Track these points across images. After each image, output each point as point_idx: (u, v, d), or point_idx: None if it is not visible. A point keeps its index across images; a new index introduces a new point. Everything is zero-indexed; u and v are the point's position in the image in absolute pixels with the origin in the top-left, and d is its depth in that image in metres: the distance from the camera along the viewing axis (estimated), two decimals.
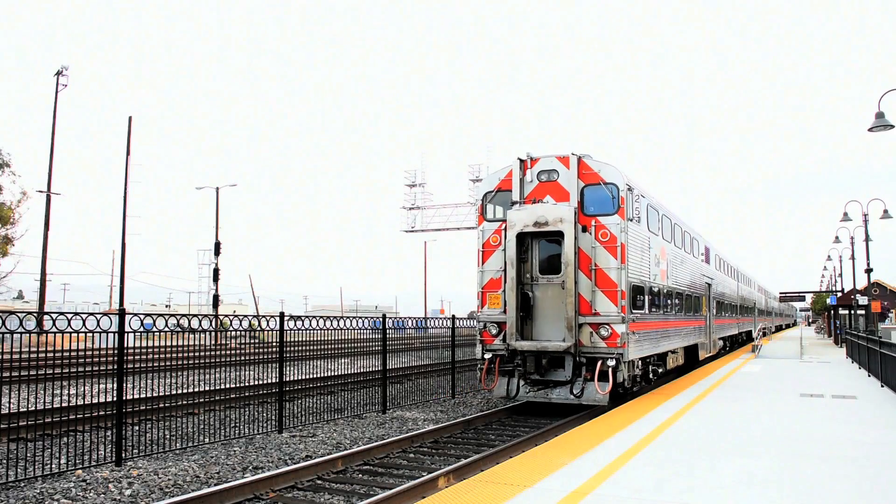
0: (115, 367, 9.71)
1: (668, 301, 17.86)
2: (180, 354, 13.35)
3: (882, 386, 16.11)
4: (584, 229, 13.84)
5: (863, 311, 34.62)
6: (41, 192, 36.04)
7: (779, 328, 74.37)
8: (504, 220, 14.42)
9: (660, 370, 17.03)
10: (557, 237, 13.82)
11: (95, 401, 13.59)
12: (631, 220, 14.05)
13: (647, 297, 15.37)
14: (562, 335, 13.65)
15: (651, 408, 12.31)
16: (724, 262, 30.66)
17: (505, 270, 14.21)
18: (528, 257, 14.29)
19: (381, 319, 15.56)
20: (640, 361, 14.89)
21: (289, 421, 12.90)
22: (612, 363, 13.26)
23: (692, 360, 21.93)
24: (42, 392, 16.02)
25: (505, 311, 14.15)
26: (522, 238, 14.08)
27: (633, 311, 14.14)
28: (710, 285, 24.67)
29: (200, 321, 10.94)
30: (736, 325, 33.95)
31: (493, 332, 14.44)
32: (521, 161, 14.60)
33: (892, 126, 17.62)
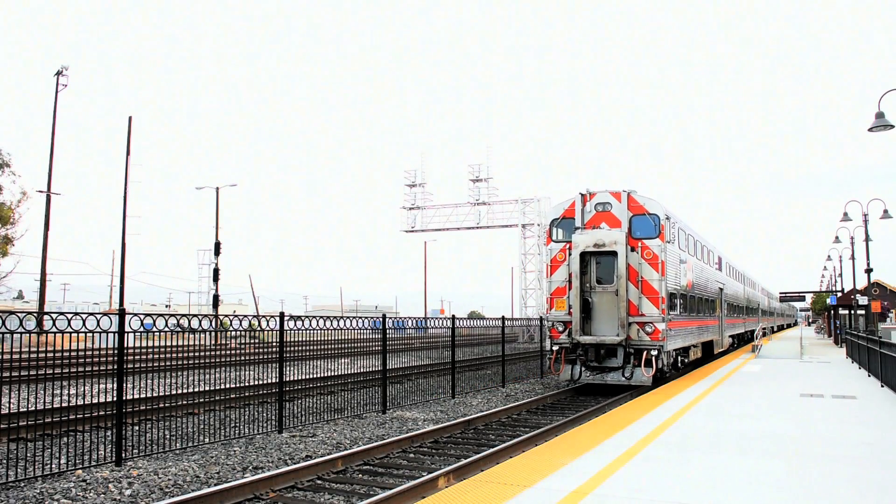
0: (115, 367, 9.70)
1: (693, 304, 21.22)
2: (180, 354, 13.34)
3: (882, 386, 16.12)
4: (633, 249, 17.39)
5: (863, 311, 34.61)
6: (41, 192, 36.09)
7: (780, 328, 74.41)
8: (567, 241, 18.05)
9: (685, 360, 20.49)
10: (611, 255, 17.35)
11: (95, 401, 13.58)
12: (668, 243, 17.72)
13: (678, 301, 18.85)
14: (615, 331, 17.23)
15: (651, 407, 12.33)
16: (732, 268, 33.90)
17: (570, 281, 17.71)
18: (587, 270, 17.75)
19: (381, 319, 15.56)
20: (673, 352, 18.42)
21: (289, 421, 12.90)
22: (654, 353, 16.87)
23: (707, 353, 25.15)
24: (42, 392, 16.03)
25: (569, 313, 17.69)
26: (583, 256, 17.54)
27: (670, 313, 17.59)
28: (722, 290, 27.52)
29: (200, 321, 10.93)
30: (743, 325, 36.81)
31: (560, 329, 18.01)
32: (582, 195, 18.31)
33: (892, 126, 17.60)
